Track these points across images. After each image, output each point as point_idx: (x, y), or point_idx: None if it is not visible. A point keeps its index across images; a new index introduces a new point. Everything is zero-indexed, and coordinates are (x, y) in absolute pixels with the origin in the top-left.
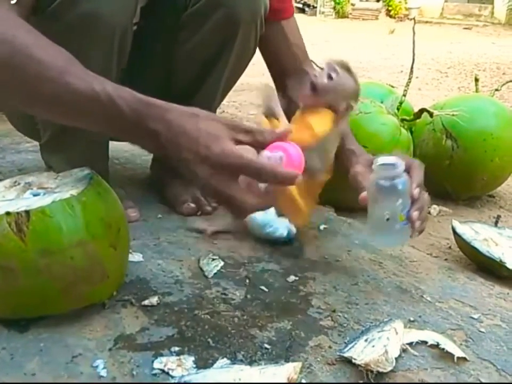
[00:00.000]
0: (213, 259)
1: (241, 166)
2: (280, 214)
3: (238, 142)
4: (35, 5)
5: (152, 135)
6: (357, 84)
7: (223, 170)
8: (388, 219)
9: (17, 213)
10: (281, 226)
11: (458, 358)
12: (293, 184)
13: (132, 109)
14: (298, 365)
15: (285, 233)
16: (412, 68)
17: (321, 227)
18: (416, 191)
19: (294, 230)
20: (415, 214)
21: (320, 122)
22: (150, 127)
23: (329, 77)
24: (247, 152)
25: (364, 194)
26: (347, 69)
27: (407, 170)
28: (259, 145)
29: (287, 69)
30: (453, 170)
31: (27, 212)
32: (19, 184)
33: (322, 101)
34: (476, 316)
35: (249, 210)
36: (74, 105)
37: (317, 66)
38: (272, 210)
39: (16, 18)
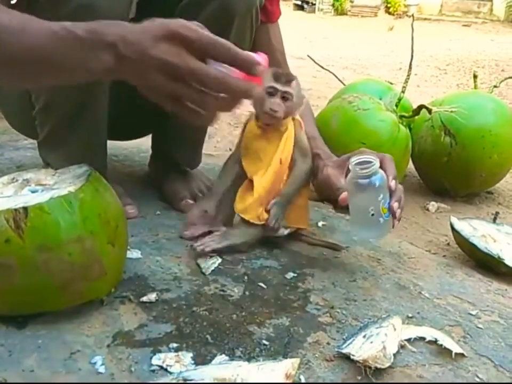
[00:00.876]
0: (211, 256)
1: (199, 70)
2: (287, 226)
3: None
4: None
5: (109, 47)
6: (299, 87)
7: (181, 74)
8: (372, 214)
9: (15, 209)
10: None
11: (456, 354)
12: (251, 95)
13: (87, 30)
14: (296, 361)
15: (285, 232)
16: (410, 64)
17: (320, 224)
18: (393, 183)
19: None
20: (395, 205)
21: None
22: (106, 39)
23: (284, 98)
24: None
25: (343, 195)
26: (291, 79)
27: (380, 165)
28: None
29: None
30: (451, 167)
31: (25, 209)
32: (17, 180)
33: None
34: (474, 312)
35: (217, 105)
36: (39, 52)
37: (315, 62)
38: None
39: None
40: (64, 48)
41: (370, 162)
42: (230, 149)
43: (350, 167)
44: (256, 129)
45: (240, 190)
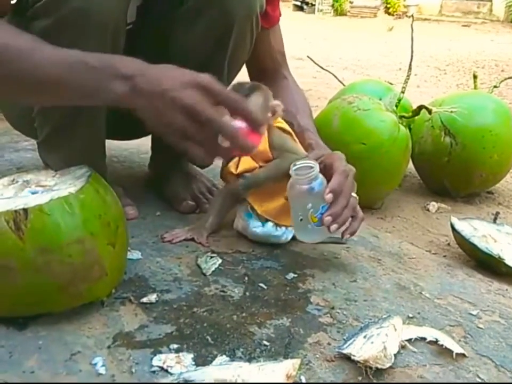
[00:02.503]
0: (211, 256)
1: (211, 117)
2: (279, 224)
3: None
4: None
5: (124, 79)
6: (267, 92)
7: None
8: (301, 219)
9: (15, 211)
10: (283, 231)
11: (457, 354)
12: (250, 152)
13: (100, 60)
14: (297, 361)
15: (289, 237)
16: (410, 65)
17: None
18: (328, 196)
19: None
20: (327, 218)
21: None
22: (121, 71)
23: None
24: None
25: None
26: (256, 88)
27: (330, 173)
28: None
29: (266, 69)
30: (451, 167)
31: (25, 210)
32: (17, 182)
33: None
34: (474, 312)
35: (220, 152)
36: (47, 75)
37: (314, 63)
38: (269, 222)
39: None
40: (74, 75)
41: (309, 168)
42: None
43: (290, 172)
44: None
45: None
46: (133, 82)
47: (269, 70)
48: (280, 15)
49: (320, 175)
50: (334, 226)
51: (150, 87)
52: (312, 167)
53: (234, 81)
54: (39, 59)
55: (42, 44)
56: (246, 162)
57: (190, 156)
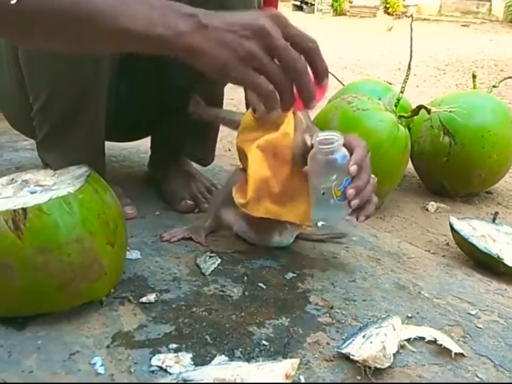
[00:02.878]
0: (211, 256)
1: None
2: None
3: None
4: None
5: (187, 16)
6: None
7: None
8: (323, 193)
9: (14, 210)
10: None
11: (456, 354)
12: (310, 105)
13: (163, 2)
14: (296, 361)
15: (291, 240)
16: (409, 64)
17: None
18: (353, 168)
19: (296, 232)
20: (350, 191)
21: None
22: (184, 10)
23: None
24: None
25: (306, 168)
26: None
27: (351, 149)
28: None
29: None
30: (450, 167)
31: (24, 210)
32: (16, 181)
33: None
34: (473, 312)
35: (285, 88)
36: (101, 10)
37: None
38: None
39: None
40: (132, 9)
41: (332, 139)
42: (229, 149)
43: (313, 141)
44: (252, 122)
45: (238, 184)
46: (198, 19)
47: None
48: None
49: (344, 148)
50: (355, 201)
51: (217, 20)
52: (336, 138)
53: None
54: None
55: None
56: (252, 171)
57: (259, 94)
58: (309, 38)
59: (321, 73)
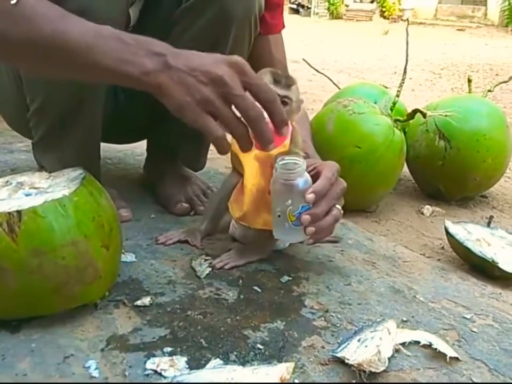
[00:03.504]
0: (206, 259)
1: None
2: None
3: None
4: None
5: (156, 55)
6: (299, 91)
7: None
8: (279, 216)
9: (9, 213)
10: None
11: (450, 358)
12: (266, 147)
13: (131, 37)
14: (291, 365)
15: (287, 244)
16: (405, 68)
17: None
18: (310, 196)
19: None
20: (305, 217)
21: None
22: (154, 48)
23: (283, 102)
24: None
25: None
26: (291, 83)
27: (317, 176)
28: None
29: None
30: (445, 170)
31: (19, 212)
32: (11, 184)
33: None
34: (468, 316)
35: (238, 131)
36: (75, 42)
37: (310, 66)
38: None
39: None
40: (104, 45)
41: (294, 164)
42: None
43: (276, 165)
44: None
45: (233, 193)
46: (165, 59)
47: None
48: (283, 26)
49: (307, 175)
50: (310, 229)
51: (181, 62)
52: (298, 164)
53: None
54: (66, 27)
55: (70, 15)
56: (249, 183)
57: (211, 137)
58: (267, 88)
59: (279, 123)
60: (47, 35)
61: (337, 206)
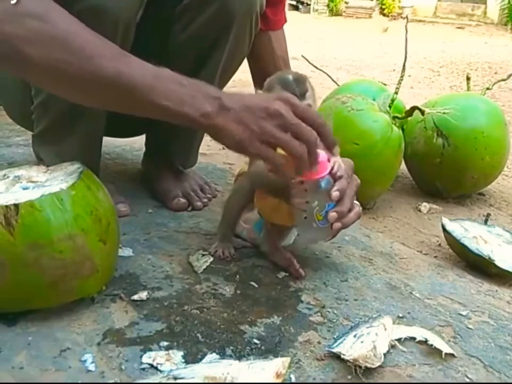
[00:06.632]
0: (203, 254)
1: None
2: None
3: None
4: None
5: (213, 98)
6: (313, 90)
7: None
8: (305, 217)
9: (6, 206)
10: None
11: (446, 354)
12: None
13: (188, 80)
14: (287, 360)
15: (291, 241)
16: (404, 66)
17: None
18: (335, 194)
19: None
20: (332, 214)
21: None
22: (211, 92)
23: None
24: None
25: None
26: (305, 90)
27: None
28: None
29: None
30: (443, 168)
31: (16, 205)
32: (8, 177)
33: None
34: (464, 313)
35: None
36: (138, 84)
37: (309, 62)
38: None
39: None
40: (164, 87)
41: None
42: (224, 148)
43: None
44: None
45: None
46: (220, 101)
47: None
48: (285, 21)
49: (328, 175)
50: (337, 225)
51: (237, 103)
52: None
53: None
54: (133, 67)
55: (128, 54)
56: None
57: (269, 163)
58: (316, 115)
59: (330, 144)
60: (111, 75)
61: (356, 202)
